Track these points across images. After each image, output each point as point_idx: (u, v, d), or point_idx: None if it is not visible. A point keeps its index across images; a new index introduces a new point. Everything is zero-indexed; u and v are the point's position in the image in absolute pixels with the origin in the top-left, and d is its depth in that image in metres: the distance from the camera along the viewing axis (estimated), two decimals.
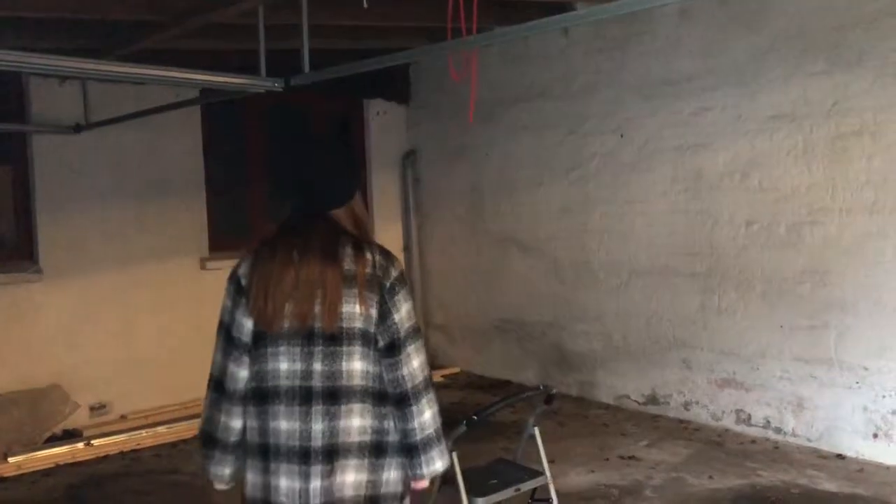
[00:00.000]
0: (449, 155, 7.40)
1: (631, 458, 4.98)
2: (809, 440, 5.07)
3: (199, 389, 6.99)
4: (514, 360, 7.00)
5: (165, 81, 4.68)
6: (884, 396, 4.74)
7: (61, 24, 4.63)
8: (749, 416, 5.38)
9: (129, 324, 5.98)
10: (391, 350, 2.25)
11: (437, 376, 7.20)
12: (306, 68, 3.87)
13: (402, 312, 2.28)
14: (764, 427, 5.30)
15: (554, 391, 3.55)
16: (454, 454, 3.20)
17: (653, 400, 5.95)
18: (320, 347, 2.21)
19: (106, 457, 5.30)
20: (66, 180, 5.70)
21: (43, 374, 5.58)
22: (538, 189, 6.65)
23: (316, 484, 2.19)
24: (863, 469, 4.67)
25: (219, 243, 6.55)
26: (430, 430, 2.34)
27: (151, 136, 6.03)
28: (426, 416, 2.33)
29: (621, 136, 6.00)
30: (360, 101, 7.54)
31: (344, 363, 2.22)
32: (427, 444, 2.33)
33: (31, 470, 5.03)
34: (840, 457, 4.88)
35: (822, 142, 4.91)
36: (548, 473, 3.45)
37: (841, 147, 4.83)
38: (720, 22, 5.35)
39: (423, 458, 2.31)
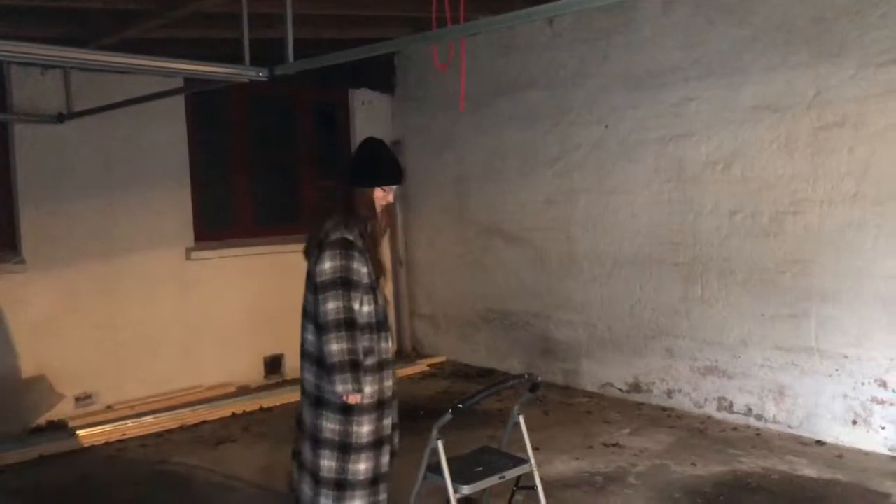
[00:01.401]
0: (435, 145, 7.41)
1: (615, 445, 5.03)
2: (790, 427, 5.14)
3: (184, 379, 6.96)
4: (499, 349, 7.04)
5: (149, 71, 4.65)
6: (863, 384, 4.80)
7: (43, 13, 4.59)
8: (731, 404, 5.44)
9: (115, 314, 5.96)
10: (315, 291, 3.31)
11: (423, 365, 7.23)
12: (291, 58, 3.85)
13: (324, 266, 3.28)
14: (745, 414, 5.36)
15: (539, 380, 3.57)
16: (440, 442, 3.22)
17: (636, 388, 6.01)
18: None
19: (92, 447, 5.30)
20: (48, 170, 5.66)
21: (27, 365, 5.56)
22: (524, 179, 6.67)
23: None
24: (842, 455, 4.74)
25: (204, 233, 6.54)
26: (333, 360, 3.21)
27: (135, 125, 5.99)
28: (332, 347, 3.22)
29: (606, 126, 6.03)
30: (346, 90, 7.52)
31: (309, 294, 3.40)
32: (331, 370, 3.22)
33: (17, 462, 5.01)
34: (820, 443, 4.95)
35: (804, 132, 4.95)
36: (532, 461, 3.48)
37: (823, 138, 4.87)
38: (704, 13, 5.37)
39: (329, 378, 3.24)
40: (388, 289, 7.68)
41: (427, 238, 7.64)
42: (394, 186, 3.51)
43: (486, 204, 7.03)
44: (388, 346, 3.50)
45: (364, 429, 3.37)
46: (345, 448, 3.36)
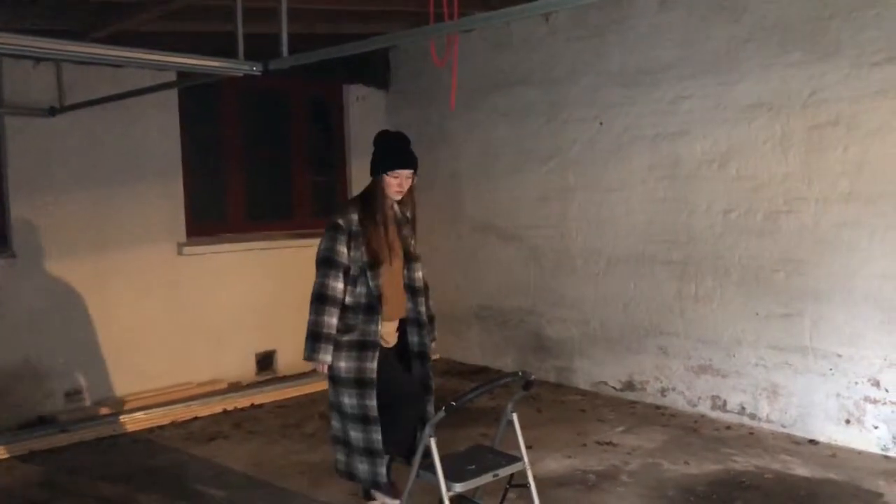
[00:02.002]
0: (429, 141, 7.37)
1: (608, 443, 5.03)
2: (783, 426, 5.14)
3: (175, 375, 6.92)
4: (492, 346, 7.03)
5: (142, 64, 4.60)
6: (856, 383, 4.81)
7: (36, 5, 4.55)
8: (724, 403, 5.44)
9: (105, 309, 5.92)
10: None
11: None
12: (285, 52, 3.83)
13: (319, 246, 3.65)
14: (739, 413, 5.36)
15: (532, 377, 3.55)
16: (433, 440, 3.21)
17: (630, 386, 6.00)
18: None
19: (82, 443, 5.26)
20: (39, 164, 5.61)
21: (17, 359, 5.52)
22: (518, 176, 6.65)
23: None
24: (835, 454, 4.75)
25: (196, 228, 6.50)
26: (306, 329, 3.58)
27: (128, 119, 5.95)
28: (308, 317, 3.57)
29: (600, 123, 6.02)
30: (340, 86, 7.49)
31: None
32: None
33: (6, 457, 4.98)
34: (813, 442, 4.95)
35: (798, 131, 4.95)
36: (525, 459, 3.47)
37: (817, 137, 4.87)
38: (699, 11, 5.37)
39: None
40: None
41: (420, 234, 7.56)
42: (402, 171, 3.76)
43: (480, 200, 7.02)
44: (378, 328, 3.66)
45: (345, 400, 3.68)
46: (336, 409, 3.76)
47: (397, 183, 3.77)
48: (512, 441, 3.51)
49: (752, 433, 5.15)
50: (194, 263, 6.40)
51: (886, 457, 4.68)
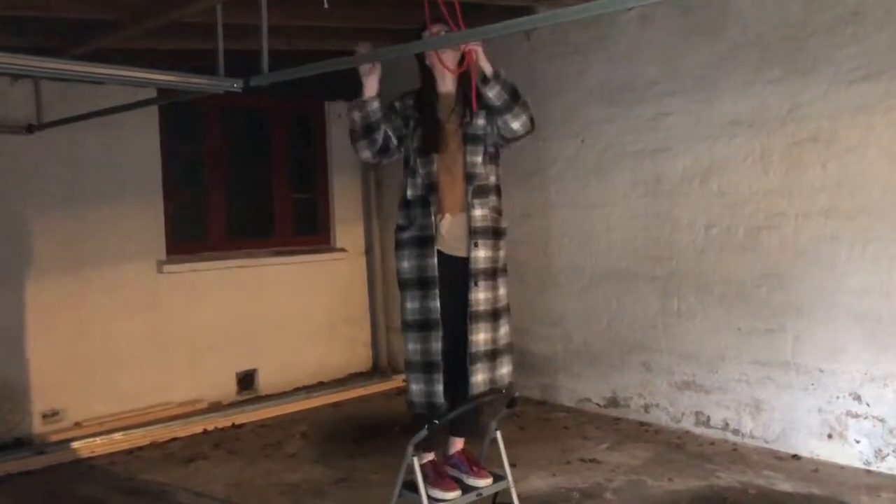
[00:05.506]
0: None
1: (592, 460, 5.00)
2: (766, 441, 5.15)
3: (155, 395, 6.83)
4: None
5: (122, 81, 4.58)
6: (838, 398, 4.83)
7: (12, 22, 4.52)
8: (708, 419, 5.44)
9: (84, 329, 5.84)
10: None
11: (399, 381, 7.18)
12: (266, 69, 3.82)
13: None
14: (722, 429, 5.36)
15: (516, 394, 3.55)
16: (415, 458, 3.18)
17: (613, 403, 5.99)
18: None
19: (59, 465, 5.17)
20: (16, 181, 5.55)
21: None
22: (502, 193, 6.64)
23: None
24: (818, 469, 4.75)
25: (176, 246, 6.45)
26: None
27: (107, 136, 5.91)
28: None
29: (582, 140, 6.04)
30: (322, 102, 7.48)
31: None
32: None
33: None
34: (796, 457, 4.96)
35: (778, 148, 4.99)
36: (509, 477, 3.45)
37: (797, 153, 4.91)
38: (681, 29, 5.41)
39: None
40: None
41: None
42: (434, 27, 3.48)
43: None
44: (432, 220, 3.43)
45: (408, 305, 3.52)
46: (402, 323, 3.59)
47: (446, 55, 3.55)
48: (496, 459, 3.48)
49: (735, 449, 5.15)
50: (174, 282, 6.34)
51: (868, 471, 4.69)
